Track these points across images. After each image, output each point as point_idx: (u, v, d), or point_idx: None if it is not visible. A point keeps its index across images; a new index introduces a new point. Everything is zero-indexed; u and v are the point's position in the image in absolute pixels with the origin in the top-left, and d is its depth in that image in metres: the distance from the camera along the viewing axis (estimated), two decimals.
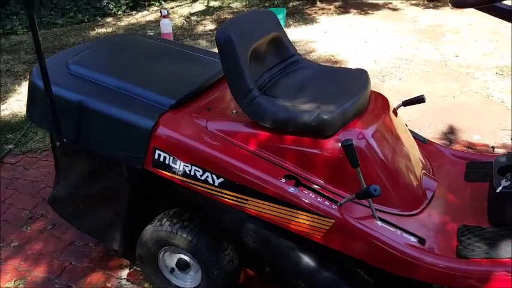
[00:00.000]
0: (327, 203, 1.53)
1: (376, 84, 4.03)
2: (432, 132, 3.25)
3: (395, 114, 1.89)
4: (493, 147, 3.03)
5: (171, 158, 1.69)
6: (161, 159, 1.71)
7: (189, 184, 1.68)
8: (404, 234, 1.52)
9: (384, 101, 1.85)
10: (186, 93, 1.85)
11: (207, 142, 1.68)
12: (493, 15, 1.52)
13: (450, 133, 3.24)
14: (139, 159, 1.73)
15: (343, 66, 4.48)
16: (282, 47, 1.95)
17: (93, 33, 6.39)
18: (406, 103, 2.06)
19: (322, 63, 4.21)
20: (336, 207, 1.52)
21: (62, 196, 2.16)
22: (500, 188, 1.56)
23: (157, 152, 1.71)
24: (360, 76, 1.85)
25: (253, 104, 1.65)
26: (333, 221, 1.51)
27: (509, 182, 1.56)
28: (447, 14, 6.05)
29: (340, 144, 1.55)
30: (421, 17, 6.02)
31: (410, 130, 2.12)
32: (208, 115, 1.79)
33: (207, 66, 2.07)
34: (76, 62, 2.01)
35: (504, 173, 1.62)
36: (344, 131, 1.62)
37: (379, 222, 1.53)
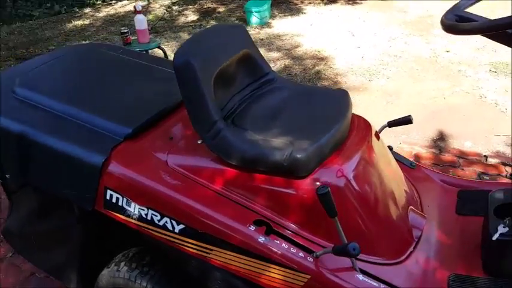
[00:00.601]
0: (301, 254, 1.34)
1: (363, 84, 3.83)
2: (421, 139, 3.07)
3: (378, 137, 1.70)
4: (486, 157, 2.86)
5: (125, 199, 1.49)
6: (113, 200, 1.50)
7: (145, 230, 1.48)
8: None
9: (366, 127, 1.65)
10: (146, 119, 1.64)
11: (166, 181, 1.47)
12: (494, 40, 1.32)
13: (440, 140, 3.06)
14: (89, 200, 1.53)
15: (329, 63, 4.28)
16: (254, 65, 1.73)
17: (70, 25, 6.10)
18: (392, 124, 1.87)
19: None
20: (311, 259, 1.33)
21: (15, 229, 1.95)
22: (497, 235, 1.37)
23: (108, 192, 1.50)
24: (341, 99, 1.64)
25: (218, 138, 1.44)
26: (309, 276, 1.32)
27: (507, 229, 1.38)
28: (438, 3, 5.83)
29: (316, 186, 1.36)
30: (411, 7, 5.80)
31: (395, 154, 1.93)
32: (170, 146, 1.58)
33: (173, 84, 1.85)
34: (23, 83, 1.78)
35: (501, 214, 1.43)
36: (321, 169, 1.42)
37: (360, 276, 1.34)
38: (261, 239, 1.35)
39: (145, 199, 1.46)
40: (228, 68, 1.61)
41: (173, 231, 1.44)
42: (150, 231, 1.47)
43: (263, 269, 1.36)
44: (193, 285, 1.60)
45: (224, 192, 1.45)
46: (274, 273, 1.35)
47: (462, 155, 2.89)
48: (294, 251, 1.34)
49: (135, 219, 1.49)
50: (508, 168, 2.71)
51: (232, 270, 1.40)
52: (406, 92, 3.68)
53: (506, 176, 2.66)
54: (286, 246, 1.35)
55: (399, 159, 1.89)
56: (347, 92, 1.68)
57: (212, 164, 1.49)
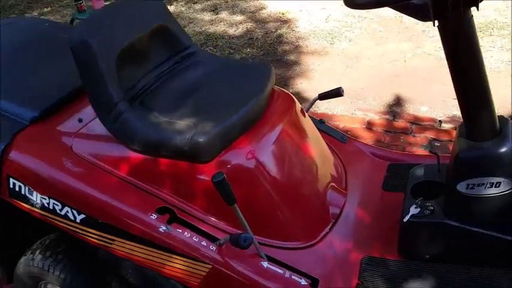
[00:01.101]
0: (204, 243, 1.29)
1: (324, 48, 3.72)
2: (377, 104, 2.99)
3: (303, 113, 1.62)
4: (440, 122, 2.79)
5: (27, 188, 1.42)
6: (17, 189, 1.44)
7: (49, 219, 1.42)
8: (294, 277, 1.29)
9: (288, 103, 1.58)
10: (56, 101, 1.55)
11: (67, 169, 1.41)
12: (401, 12, 1.24)
13: (396, 105, 2.98)
14: None
15: (292, 26, 4.13)
16: (172, 40, 1.63)
17: None
18: (322, 97, 1.79)
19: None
20: (214, 247, 1.28)
21: None
22: (407, 217, 1.32)
23: (11, 180, 1.43)
24: (262, 74, 1.55)
25: (119, 121, 1.37)
26: (210, 265, 1.27)
27: (419, 209, 1.33)
28: None
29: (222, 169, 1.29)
30: None
31: (328, 128, 1.86)
32: (77, 130, 1.50)
33: None
34: None
35: (417, 194, 1.38)
36: (228, 152, 1.35)
37: (266, 263, 1.30)
38: (162, 228, 1.30)
39: (46, 188, 1.40)
40: (139, 44, 1.51)
41: (75, 221, 1.38)
42: (54, 220, 1.42)
43: (165, 259, 1.31)
44: (106, 274, 1.56)
45: (128, 179, 1.38)
46: (176, 263, 1.31)
47: (416, 120, 2.82)
48: (197, 239, 1.29)
49: (38, 208, 1.43)
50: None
51: (136, 261, 1.35)
52: (367, 55, 3.57)
53: (437, 127, 2.61)
54: (189, 235, 1.30)
55: (331, 133, 1.83)
56: (271, 68, 1.59)
57: (117, 149, 1.42)
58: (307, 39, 3.88)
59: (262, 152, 1.39)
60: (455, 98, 2.87)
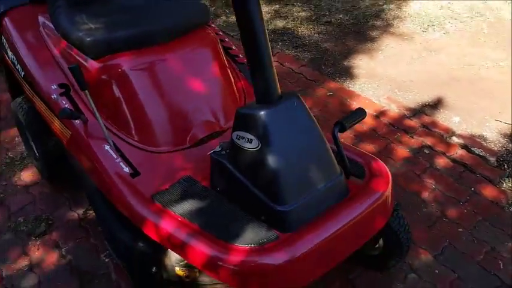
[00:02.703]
0: (77, 119, 1.73)
1: (412, 33, 3.61)
2: (411, 100, 2.92)
3: (218, 54, 1.90)
4: (453, 134, 2.64)
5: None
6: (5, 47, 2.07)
7: (15, 72, 2.04)
8: (122, 164, 1.66)
9: (210, 40, 1.87)
10: None
11: (27, 38, 1.98)
12: None
13: (430, 107, 2.87)
14: None
15: (403, 4, 4.02)
16: None
17: None
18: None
19: None
20: (78, 122, 1.73)
21: None
22: (211, 152, 1.57)
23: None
24: (191, 13, 1.88)
25: (54, 15, 1.86)
26: (70, 132, 1.74)
27: (220, 148, 1.56)
28: None
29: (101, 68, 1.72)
30: None
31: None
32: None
33: None
34: None
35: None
36: (112, 57, 1.74)
37: (107, 146, 1.70)
38: (54, 96, 1.79)
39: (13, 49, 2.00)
40: None
41: (21, 76, 1.96)
42: (15, 73, 2.03)
43: (52, 118, 1.82)
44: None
45: (55, 56, 1.89)
46: (57, 124, 1.81)
47: (429, 125, 2.71)
48: (71, 111, 1.72)
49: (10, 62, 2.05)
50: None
51: (42, 115, 1.90)
52: (448, 52, 3.37)
53: (445, 138, 2.49)
54: (68, 106, 1.76)
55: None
56: (205, 6, 1.90)
57: (54, 34, 1.92)
58: (403, 21, 3.78)
59: (139, 67, 1.73)
60: (498, 120, 2.72)
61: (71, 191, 2.25)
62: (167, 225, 1.45)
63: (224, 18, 3.95)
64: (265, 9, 4.05)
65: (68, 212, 2.19)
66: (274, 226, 1.39)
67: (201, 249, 1.35)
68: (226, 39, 2.23)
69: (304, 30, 3.72)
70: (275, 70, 1.40)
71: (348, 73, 3.21)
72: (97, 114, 1.66)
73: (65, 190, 2.28)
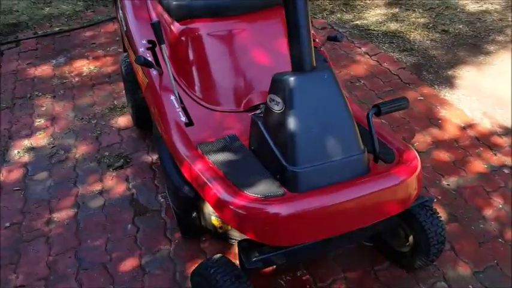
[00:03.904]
0: (154, 68, 2.00)
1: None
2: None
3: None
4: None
5: None
6: None
7: None
8: (180, 113, 1.88)
9: (281, 19, 2.00)
10: None
11: None
12: None
13: (481, 112, 2.66)
14: None
15: None
16: None
17: None
18: (329, 38, 2.10)
19: None
20: (155, 72, 2.00)
21: None
22: (252, 114, 1.71)
23: None
24: None
25: None
26: (147, 80, 2.02)
27: (260, 111, 1.69)
28: None
29: (182, 29, 1.96)
30: None
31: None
32: None
33: None
34: None
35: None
36: (193, 22, 1.97)
37: (173, 97, 1.93)
38: (141, 49, 2.08)
39: None
40: None
41: (124, 31, 2.30)
42: None
43: (137, 70, 2.13)
44: None
45: (152, 17, 2.18)
46: (140, 74, 2.10)
47: (493, 144, 2.52)
48: (145, 59, 1.96)
49: None
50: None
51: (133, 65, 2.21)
52: None
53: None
54: (150, 59, 2.04)
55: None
56: None
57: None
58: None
59: (214, 33, 1.92)
60: None
61: (151, 139, 2.56)
62: (198, 167, 1.62)
63: None
64: (383, 11, 4.03)
65: (144, 156, 2.50)
66: (284, 185, 1.48)
67: (216, 189, 1.49)
68: None
69: (416, 36, 3.63)
70: (312, 43, 1.48)
71: (449, 82, 3.08)
72: (168, 67, 1.90)
73: (148, 137, 2.59)
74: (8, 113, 2.88)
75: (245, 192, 1.46)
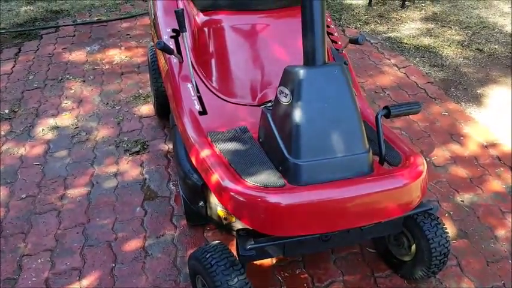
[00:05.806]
0: (174, 54, 2.05)
1: None
2: (491, 123, 2.64)
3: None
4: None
5: None
6: None
7: None
8: (195, 101, 1.92)
9: (289, 17, 2.03)
10: None
11: None
12: None
13: (508, 132, 2.57)
14: None
15: None
16: None
17: None
18: (351, 40, 2.09)
19: None
20: (176, 60, 2.05)
21: None
22: (263, 106, 1.72)
23: None
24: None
25: None
26: (167, 67, 2.07)
27: (270, 104, 1.70)
28: None
29: (204, 21, 2.01)
30: None
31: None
32: None
33: None
34: None
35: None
36: (216, 13, 2.01)
37: (190, 85, 1.98)
38: (165, 37, 2.13)
39: None
40: None
41: (152, 20, 2.36)
42: None
43: (160, 57, 2.19)
44: None
45: (179, 6, 2.23)
46: (162, 61, 2.16)
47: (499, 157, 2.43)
48: (165, 44, 1.99)
49: None
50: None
51: (157, 53, 2.26)
52: None
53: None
54: (172, 47, 2.08)
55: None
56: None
57: None
58: None
59: (236, 26, 1.95)
60: None
61: (169, 129, 2.61)
62: (204, 154, 1.65)
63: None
64: (418, 25, 3.98)
65: (161, 144, 2.55)
66: (285, 176, 1.49)
67: (218, 173, 1.51)
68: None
69: (449, 53, 3.57)
70: (325, 38, 1.49)
71: (477, 101, 3.01)
72: (188, 55, 1.94)
73: (167, 127, 2.64)
74: (38, 93, 3.00)
75: (246, 180, 1.48)
